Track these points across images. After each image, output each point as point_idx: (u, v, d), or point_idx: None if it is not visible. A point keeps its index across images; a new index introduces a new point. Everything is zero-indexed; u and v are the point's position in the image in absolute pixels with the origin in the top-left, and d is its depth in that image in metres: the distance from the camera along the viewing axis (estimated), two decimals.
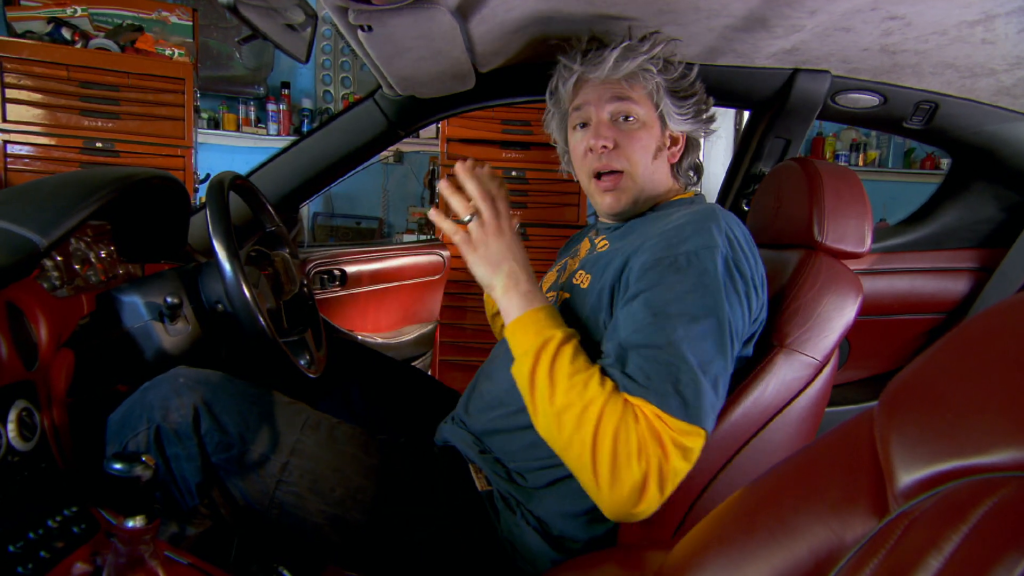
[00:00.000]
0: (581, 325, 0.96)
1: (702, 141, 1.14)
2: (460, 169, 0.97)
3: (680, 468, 0.82)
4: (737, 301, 0.90)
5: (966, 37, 1.15)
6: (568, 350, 0.88)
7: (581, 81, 1.10)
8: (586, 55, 1.09)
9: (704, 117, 1.12)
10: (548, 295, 1.09)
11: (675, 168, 1.12)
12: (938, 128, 1.53)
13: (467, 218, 0.96)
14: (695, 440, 0.82)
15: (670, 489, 0.82)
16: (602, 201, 1.09)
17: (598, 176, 1.08)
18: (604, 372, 0.87)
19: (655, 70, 1.06)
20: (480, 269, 0.95)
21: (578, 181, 1.15)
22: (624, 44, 1.06)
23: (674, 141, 1.10)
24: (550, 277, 1.18)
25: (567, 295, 1.02)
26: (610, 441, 0.81)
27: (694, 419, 0.82)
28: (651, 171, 1.07)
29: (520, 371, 0.89)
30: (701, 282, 0.87)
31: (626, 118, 1.06)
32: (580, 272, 1.03)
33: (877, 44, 1.23)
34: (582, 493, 0.86)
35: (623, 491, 0.80)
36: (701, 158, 1.16)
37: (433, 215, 0.99)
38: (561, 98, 1.15)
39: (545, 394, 0.86)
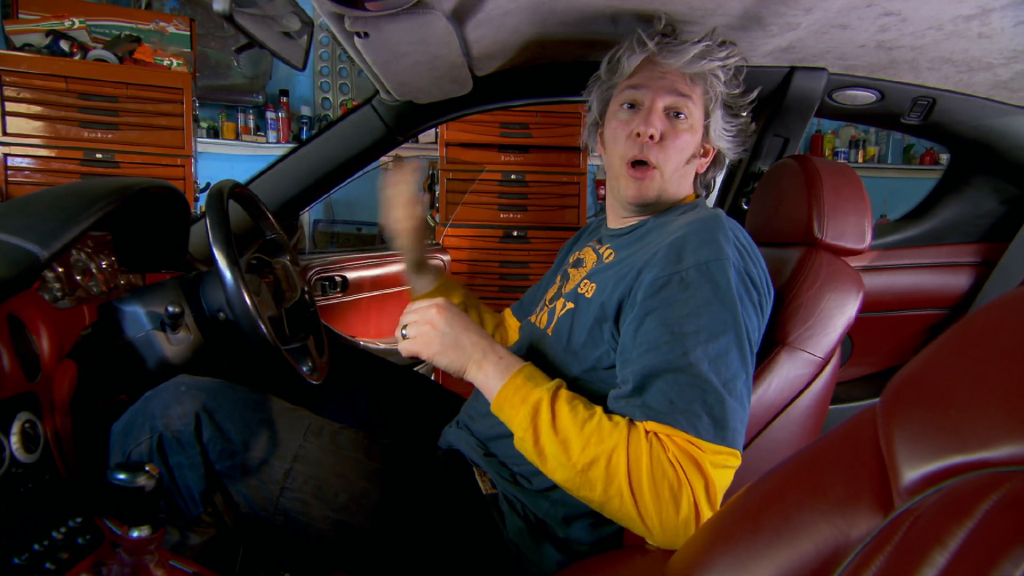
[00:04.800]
0: (585, 335, 0.96)
1: (727, 161, 1.14)
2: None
3: (725, 485, 0.82)
4: (753, 311, 0.90)
5: (962, 32, 1.15)
6: (562, 404, 0.86)
7: (649, 62, 1.06)
8: (665, 37, 1.07)
9: (742, 140, 1.11)
10: (551, 305, 1.08)
11: (698, 178, 1.12)
12: (936, 123, 1.53)
13: (402, 333, 0.95)
14: (731, 460, 0.82)
15: (718, 505, 0.81)
16: (627, 188, 1.05)
17: (633, 164, 1.05)
18: (618, 402, 0.87)
19: (723, 79, 1.05)
20: (446, 359, 0.92)
21: (598, 156, 1.16)
22: (706, 43, 1.04)
23: (706, 152, 1.10)
24: (553, 287, 1.17)
25: (572, 305, 1.01)
26: (648, 483, 0.79)
27: (728, 441, 0.81)
28: (680, 174, 1.06)
29: (524, 447, 0.87)
30: (716, 296, 0.85)
31: (677, 114, 1.04)
32: (586, 282, 1.02)
33: (873, 40, 1.23)
34: None
35: (678, 527, 0.79)
36: (719, 179, 1.18)
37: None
38: (619, 69, 1.10)
39: (561, 459, 0.83)
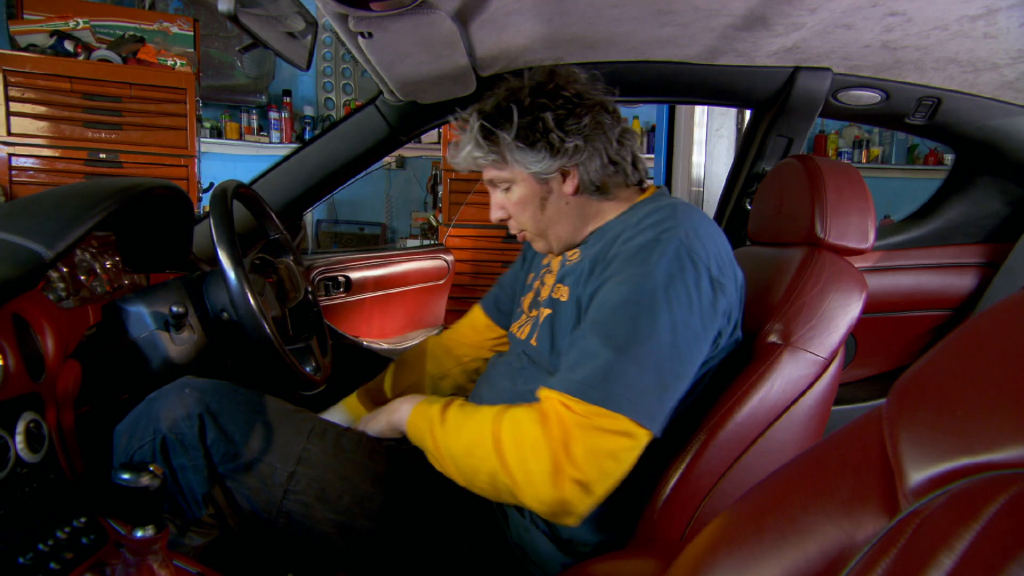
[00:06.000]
0: (566, 337, 0.96)
1: (602, 146, 1.01)
2: None
3: (600, 447, 0.81)
4: (684, 291, 0.87)
5: (968, 32, 1.14)
6: (454, 408, 0.93)
7: None
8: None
9: (559, 148, 0.98)
10: (531, 314, 1.09)
11: (599, 190, 1.03)
12: (941, 124, 1.52)
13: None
14: (613, 423, 0.81)
15: (596, 471, 0.81)
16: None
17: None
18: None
19: (484, 146, 1.00)
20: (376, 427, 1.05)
21: None
22: (452, 143, 1.06)
23: (563, 176, 1.01)
24: (528, 297, 1.15)
25: (550, 311, 1.02)
26: (514, 447, 0.83)
27: (602, 401, 0.81)
28: (552, 221, 1.04)
29: (436, 461, 0.93)
30: (640, 272, 0.87)
31: (504, 188, 1.05)
32: (559, 286, 1.02)
33: (878, 40, 1.23)
34: None
35: (543, 485, 0.81)
36: (619, 156, 1.03)
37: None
38: None
39: (453, 448, 0.90)
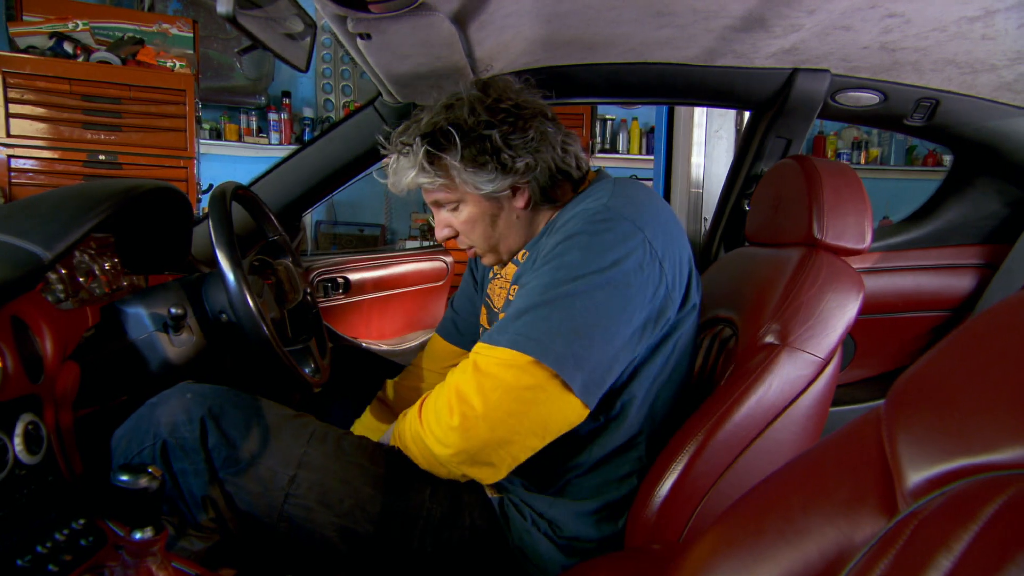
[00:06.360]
0: None
1: (550, 157, 1.00)
2: None
3: (493, 382, 0.83)
4: (613, 257, 0.86)
5: (966, 33, 1.15)
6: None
7: None
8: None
9: (516, 166, 0.97)
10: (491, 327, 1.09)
11: (548, 199, 1.02)
12: (939, 125, 1.53)
13: None
14: (513, 360, 0.83)
15: (493, 411, 0.83)
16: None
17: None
18: None
19: (431, 171, 0.99)
20: None
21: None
22: (394, 167, 1.03)
23: (513, 192, 1.00)
24: (483, 314, 1.15)
25: None
26: (431, 397, 0.89)
27: (510, 343, 0.84)
28: (503, 235, 1.04)
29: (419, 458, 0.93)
30: (569, 256, 0.88)
31: (451, 208, 1.04)
32: (514, 288, 1.01)
33: (876, 42, 1.23)
34: (593, 491, 0.86)
35: (433, 421, 0.86)
36: (566, 163, 1.02)
37: None
38: None
39: (405, 429, 0.94)
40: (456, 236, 1.07)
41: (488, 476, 0.88)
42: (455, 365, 1.22)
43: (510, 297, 1.01)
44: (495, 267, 1.13)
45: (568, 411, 0.85)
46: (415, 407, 0.93)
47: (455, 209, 1.03)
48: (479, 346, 0.87)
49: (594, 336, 0.85)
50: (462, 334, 1.29)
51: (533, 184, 0.99)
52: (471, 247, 1.08)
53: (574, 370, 0.83)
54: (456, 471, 0.89)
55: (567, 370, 0.83)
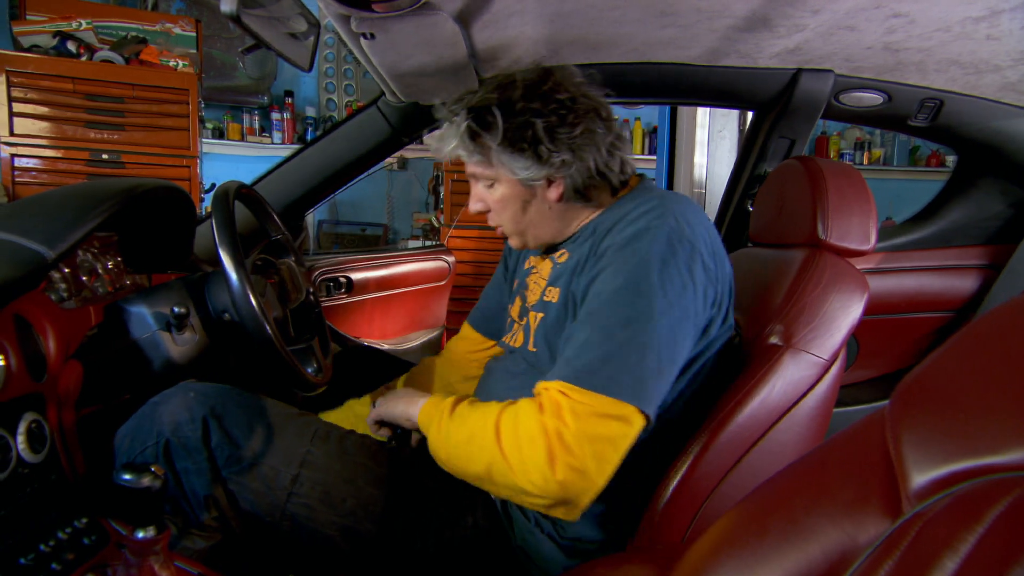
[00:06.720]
0: (558, 341, 0.95)
1: (592, 157, 0.98)
2: None
3: (594, 432, 0.81)
4: (677, 275, 0.87)
5: (970, 33, 1.14)
6: (463, 405, 0.92)
7: None
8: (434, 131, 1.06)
9: (552, 159, 0.96)
10: (522, 322, 1.08)
11: (583, 197, 1.01)
12: (943, 125, 1.52)
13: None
14: (611, 408, 0.81)
15: (590, 456, 0.80)
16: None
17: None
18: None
19: (470, 146, 0.99)
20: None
21: None
22: (437, 133, 1.03)
23: (549, 182, 0.99)
24: (515, 305, 1.14)
25: (542, 315, 1.01)
26: (511, 436, 0.83)
27: (602, 388, 0.81)
28: (533, 223, 1.04)
29: (447, 449, 0.92)
30: (633, 260, 0.86)
31: (487, 184, 1.03)
32: (550, 288, 1.02)
33: (880, 42, 1.22)
34: None
35: (537, 473, 0.81)
36: (607, 166, 1.00)
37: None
38: None
39: (456, 438, 0.90)
40: (488, 212, 1.06)
41: (570, 515, 0.85)
42: (480, 351, 1.25)
43: (545, 297, 1.01)
44: (532, 261, 1.13)
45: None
46: (488, 422, 0.87)
47: (490, 186, 1.03)
48: (568, 388, 0.83)
49: (672, 372, 0.87)
50: (491, 324, 1.29)
51: (569, 180, 0.99)
52: (499, 226, 1.07)
53: (656, 407, 0.85)
54: (537, 509, 0.88)
55: (653, 409, 0.84)
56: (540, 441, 0.80)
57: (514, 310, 1.14)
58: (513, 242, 1.09)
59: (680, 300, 0.87)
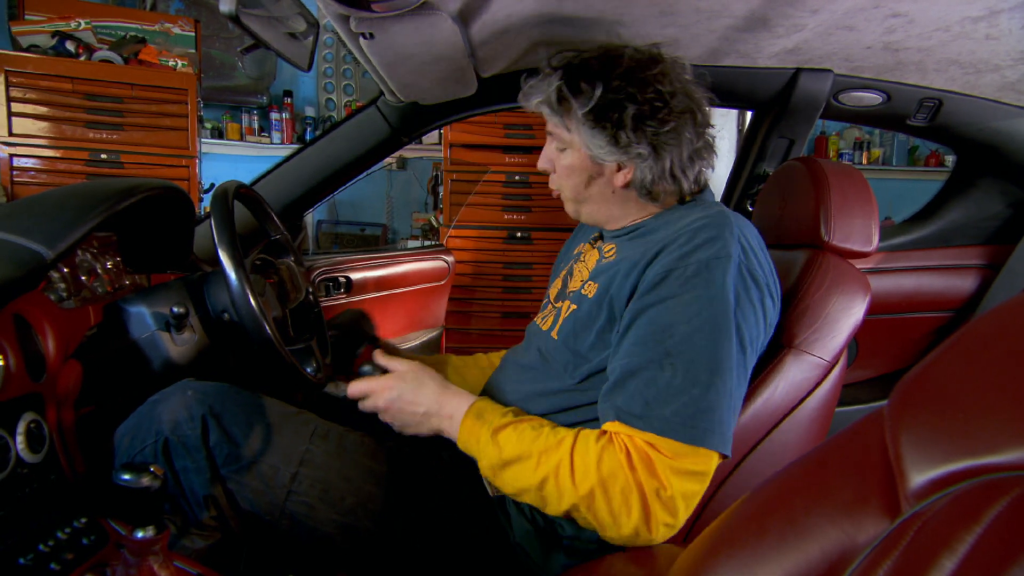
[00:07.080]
0: (594, 337, 0.94)
1: (670, 158, 0.96)
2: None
3: (688, 490, 0.83)
4: (752, 311, 0.88)
5: (970, 33, 1.14)
6: (508, 433, 0.90)
7: None
8: (529, 78, 1.04)
9: (626, 144, 0.95)
10: (557, 304, 1.07)
11: (648, 193, 1.00)
12: (942, 125, 1.52)
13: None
14: (700, 461, 0.82)
15: (684, 512, 0.83)
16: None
17: None
18: (602, 398, 0.89)
19: (554, 107, 0.98)
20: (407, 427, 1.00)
21: None
22: (531, 83, 1.02)
23: (619, 167, 0.98)
24: (556, 286, 1.15)
25: (575, 306, 1.00)
26: (599, 490, 0.83)
27: (697, 440, 0.82)
28: (592, 199, 1.03)
29: (504, 482, 0.91)
30: (711, 295, 0.84)
31: (559, 147, 1.03)
32: (589, 283, 0.99)
33: (880, 42, 1.22)
34: None
35: (635, 529, 0.83)
36: (683, 172, 0.98)
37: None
38: None
39: (518, 484, 0.89)
40: (552, 172, 1.06)
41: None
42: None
43: (583, 290, 0.99)
44: (582, 247, 1.13)
45: None
46: (556, 459, 0.86)
47: (563, 150, 1.02)
48: (657, 440, 0.82)
49: (740, 403, 0.89)
50: None
51: (639, 172, 0.97)
52: (556, 190, 1.07)
53: (729, 443, 0.86)
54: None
55: (728, 448, 0.85)
56: (635, 499, 0.82)
57: (553, 290, 1.14)
58: (568, 208, 1.08)
59: (755, 339, 0.89)
